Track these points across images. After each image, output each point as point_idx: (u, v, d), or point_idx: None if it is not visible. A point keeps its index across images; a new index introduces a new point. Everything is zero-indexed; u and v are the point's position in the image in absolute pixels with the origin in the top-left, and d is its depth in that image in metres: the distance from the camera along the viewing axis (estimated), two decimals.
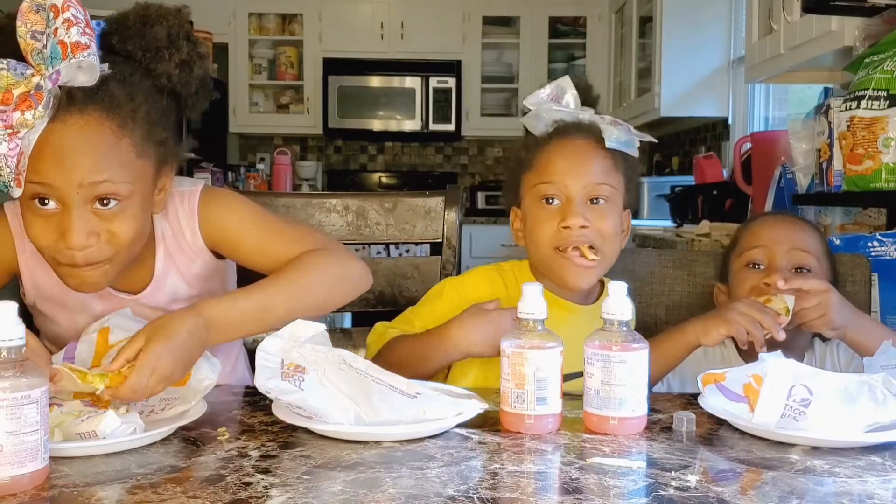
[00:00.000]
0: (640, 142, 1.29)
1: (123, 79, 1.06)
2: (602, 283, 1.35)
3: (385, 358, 1.24)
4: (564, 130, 1.29)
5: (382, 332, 1.31)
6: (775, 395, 0.97)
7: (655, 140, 1.40)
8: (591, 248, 1.25)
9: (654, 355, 1.29)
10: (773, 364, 0.99)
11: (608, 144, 1.25)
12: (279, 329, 0.98)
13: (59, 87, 0.99)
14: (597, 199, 1.26)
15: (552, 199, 1.26)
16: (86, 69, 0.99)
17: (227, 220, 1.23)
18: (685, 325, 1.31)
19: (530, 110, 1.30)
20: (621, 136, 1.25)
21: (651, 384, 1.33)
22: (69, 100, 1.01)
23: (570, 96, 1.29)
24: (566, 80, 1.30)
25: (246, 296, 1.13)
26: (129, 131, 1.05)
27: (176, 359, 0.99)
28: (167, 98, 1.12)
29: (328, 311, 1.25)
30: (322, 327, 0.98)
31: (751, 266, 1.42)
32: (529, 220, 1.29)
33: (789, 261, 1.40)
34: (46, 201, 1.03)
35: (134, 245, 1.11)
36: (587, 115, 1.29)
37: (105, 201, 1.05)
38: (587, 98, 1.31)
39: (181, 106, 1.16)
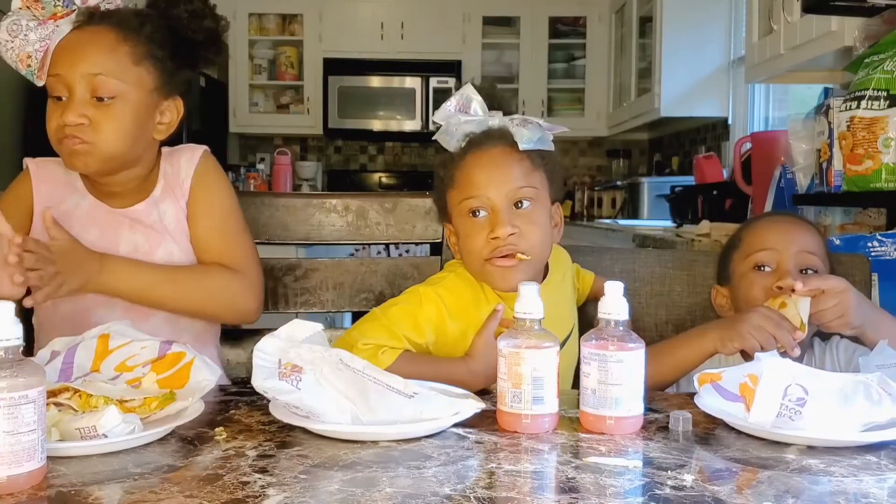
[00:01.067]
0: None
1: (138, 11, 1.35)
2: (546, 266, 1.35)
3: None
4: (477, 142, 1.28)
5: (370, 353, 1.22)
6: (771, 394, 0.97)
7: (567, 129, 1.37)
8: (521, 253, 1.25)
9: (671, 360, 1.30)
10: (769, 363, 0.99)
11: (521, 147, 1.24)
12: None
13: (87, 8, 1.33)
14: (520, 202, 1.26)
15: (478, 211, 1.26)
16: None
17: (214, 186, 1.42)
18: (703, 331, 1.30)
19: (441, 125, 1.30)
20: (533, 136, 1.24)
21: (664, 387, 1.33)
22: (89, 19, 1.33)
23: (477, 104, 1.29)
24: (469, 88, 1.30)
25: (150, 269, 1.33)
26: (130, 44, 1.31)
27: (65, 262, 1.20)
28: (177, 39, 1.35)
29: (197, 318, 1.41)
30: (319, 327, 0.98)
31: (758, 268, 1.40)
32: (461, 235, 1.30)
33: (797, 263, 1.38)
34: (62, 98, 1.30)
35: (115, 144, 1.30)
36: (496, 120, 1.29)
37: (102, 98, 1.29)
38: (493, 101, 1.31)
39: (193, 53, 1.38)
